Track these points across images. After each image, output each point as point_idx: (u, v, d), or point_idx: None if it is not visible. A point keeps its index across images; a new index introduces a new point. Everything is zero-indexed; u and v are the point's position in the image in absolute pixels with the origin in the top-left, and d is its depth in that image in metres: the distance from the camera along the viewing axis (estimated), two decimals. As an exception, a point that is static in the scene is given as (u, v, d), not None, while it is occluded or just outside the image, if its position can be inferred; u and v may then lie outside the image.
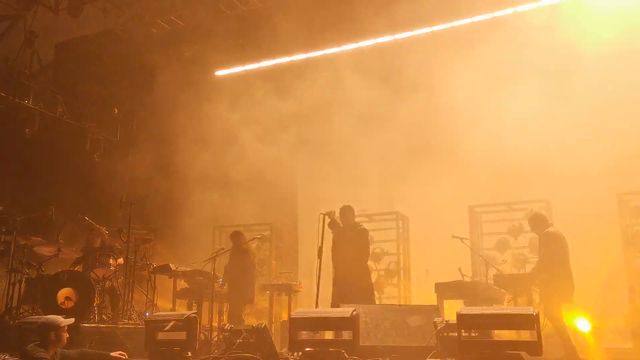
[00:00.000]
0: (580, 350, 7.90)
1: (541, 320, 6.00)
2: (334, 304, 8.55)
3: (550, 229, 8.10)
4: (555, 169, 10.96)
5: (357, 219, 11.81)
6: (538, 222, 8.30)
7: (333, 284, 8.78)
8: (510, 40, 10.79)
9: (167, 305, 10.67)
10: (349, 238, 8.83)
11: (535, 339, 5.69)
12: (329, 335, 7.89)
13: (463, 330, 6.01)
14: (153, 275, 10.31)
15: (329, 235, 8.84)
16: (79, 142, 13.99)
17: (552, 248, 7.90)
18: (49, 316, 6.67)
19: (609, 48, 10.02)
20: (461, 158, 11.79)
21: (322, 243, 8.40)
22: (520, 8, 11.58)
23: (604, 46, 10.00)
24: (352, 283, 8.60)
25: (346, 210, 9.01)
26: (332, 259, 8.91)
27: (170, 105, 14.36)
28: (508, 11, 11.71)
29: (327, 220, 8.69)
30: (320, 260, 8.39)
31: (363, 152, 13.01)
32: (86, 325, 8.41)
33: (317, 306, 8.29)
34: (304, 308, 8.97)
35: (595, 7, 10.46)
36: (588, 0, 10.70)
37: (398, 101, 11.83)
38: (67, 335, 6.40)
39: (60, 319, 6.44)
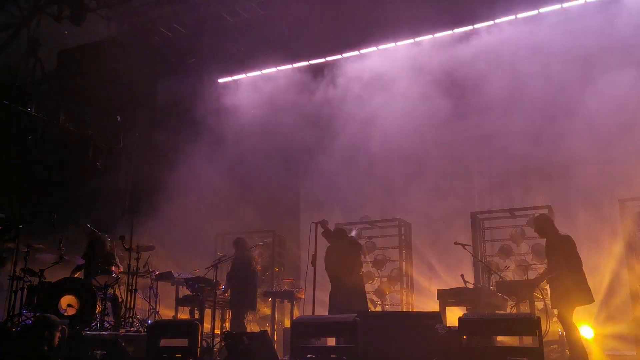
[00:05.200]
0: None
1: (543, 326, 5.97)
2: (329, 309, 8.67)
3: (557, 232, 8.05)
4: (557, 176, 10.97)
5: (359, 226, 11.95)
6: (548, 224, 8.27)
7: (329, 296, 8.86)
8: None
9: (169, 312, 10.67)
10: (341, 250, 8.99)
11: (537, 345, 5.67)
12: (331, 341, 7.89)
13: (465, 337, 6.00)
14: (155, 282, 10.31)
15: (323, 243, 8.97)
16: (82, 150, 14.01)
17: (567, 250, 7.83)
18: (47, 314, 6.79)
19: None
20: (464, 164, 11.84)
21: (315, 251, 8.58)
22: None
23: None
24: (345, 292, 8.67)
25: (337, 230, 9.34)
26: (326, 269, 9.01)
27: (173, 112, 14.40)
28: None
29: (320, 229, 8.90)
30: (315, 269, 8.50)
31: (366, 159, 13.05)
32: (88, 332, 8.39)
33: (314, 312, 8.34)
34: (306, 315, 8.99)
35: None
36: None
37: (401, 108, 11.87)
38: (60, 335, 6.44)
39: (55, 319, 6.54)
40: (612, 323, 9.86)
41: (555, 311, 7.84)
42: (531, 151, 11.27)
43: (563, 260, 7.75)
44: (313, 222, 8.84)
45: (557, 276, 7.66)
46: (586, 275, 7.67)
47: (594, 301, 7.72)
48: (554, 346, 8.25)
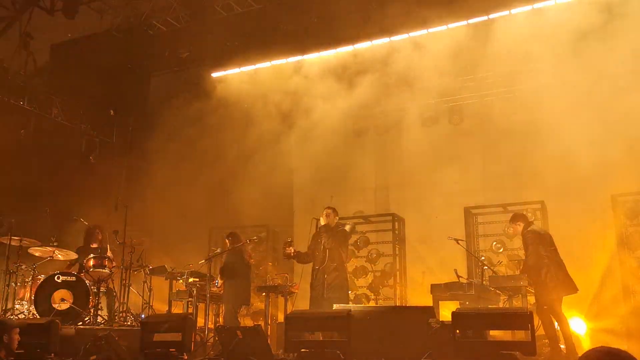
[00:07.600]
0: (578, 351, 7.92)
1: (535, 320, 6.02)
2: (312, 301, 8.66)
3: (530, 228, 8.14)
4: (549, 171, 11.01)
5: (353, 220, 11.95)
6: (519, 221, 8.35)
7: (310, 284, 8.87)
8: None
9: (163, 306, 10.66)
10: (329, 238, 8.91)
11: (530, 339, 5.71)
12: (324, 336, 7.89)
13: (458, 331, 6.03)
14: (149, 277, 10.30)
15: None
16: (75, 144, 13.96)
17: (534, 245, 7.92)
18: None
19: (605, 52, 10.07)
20: (458, 159, 11.87)
21: (292, 239, 8.70)
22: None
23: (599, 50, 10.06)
24: (327, 281, 8.65)
25: (331, 212, 9.12)
26: (313, 259, 9.01)
27: (166, 106, 14.35)
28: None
29: (320, 224, 8.87)
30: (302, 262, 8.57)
31: (359, 154, 13.06)
32: (81, 327, 8.38)
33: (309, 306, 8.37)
34: (300, 309, 9.00)
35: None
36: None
37: (384, 104, 11.89)
38: (19, 338, 6.30)
39: (10, 320, 6.40)
40: (604, 317, 9.93)
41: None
42: (524, 146, 11.33)
43: (533, 255, 7.85)
44: (314, 218, 8.86)
45: (532, 271, 7.78)
46: (576, 269, 7.73)
47: (576, 291, 7.75)
48: (546, 340, 8.29)
